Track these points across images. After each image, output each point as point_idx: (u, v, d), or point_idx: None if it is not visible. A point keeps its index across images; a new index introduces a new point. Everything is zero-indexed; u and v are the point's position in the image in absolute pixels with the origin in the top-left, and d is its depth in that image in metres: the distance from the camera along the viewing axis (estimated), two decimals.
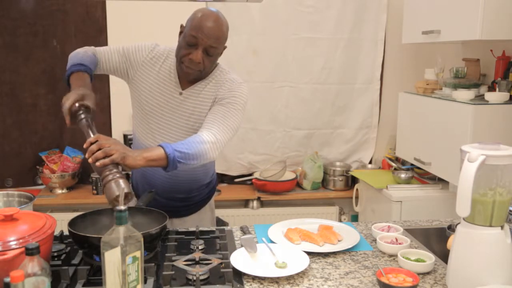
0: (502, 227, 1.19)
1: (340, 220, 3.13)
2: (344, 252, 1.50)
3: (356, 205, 3.14)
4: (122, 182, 1.31)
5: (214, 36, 1.56)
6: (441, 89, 2.54)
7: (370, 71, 3.23)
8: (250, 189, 3.19)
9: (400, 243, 1.51)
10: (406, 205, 2.59)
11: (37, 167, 3.06)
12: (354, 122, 3.30)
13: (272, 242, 1.54)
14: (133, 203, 1.69)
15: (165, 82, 1.68)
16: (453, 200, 1.20)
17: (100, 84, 3.06)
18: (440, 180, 2.65)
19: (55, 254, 1.39)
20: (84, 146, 1.36)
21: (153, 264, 1.30)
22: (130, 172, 2.10)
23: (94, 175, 2.99)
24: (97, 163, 1.32)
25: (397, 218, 2.58)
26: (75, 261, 1.37)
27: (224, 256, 1.39)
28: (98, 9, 3.04)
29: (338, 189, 3.21)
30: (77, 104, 1.43)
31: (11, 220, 1.21)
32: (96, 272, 1.30)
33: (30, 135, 3.14)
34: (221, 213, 2.91)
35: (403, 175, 2.82)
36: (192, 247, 1.48)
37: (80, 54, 1.64)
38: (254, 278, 1.31)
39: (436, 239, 1.69)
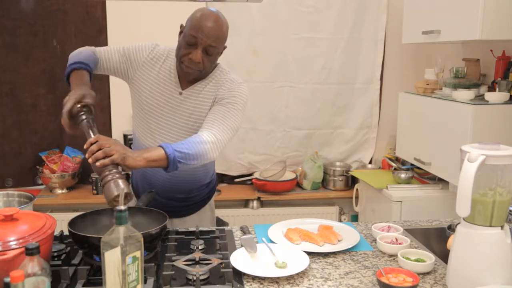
0: (502, 227, 1.19)
1: (340, 220, 3.13)
2: (344, 252, 1.50)
3: (356, 205, 3.14)
4: (121, 182, 1.31)
5: (214, 35, 1.56)
6: (441, 89, 2.54)
7: (370, 71, 3.24)
8: (250, 189, 3.19)
9: (400, 243, 1.51)
10: (406, 205, 2.59)
11: (37, 167, 3.06)
12: (354, 122, 3.30)
13: (272, 242, 1.54)
14: (133, 203, 1.69)
15: (165, 82, 1.68)
16: (453, 200, 1.20)
17: (100, 84, 3.06)
18: (440, 180, 2.65)
19: (55, 254, 1.39)
20: (85, 146, 1.36)
21: (153, 264, 1.30)
22: (130, 172, 2.10)
23: (94, 175, 2.99)
24: (97, 164, 1.32)
25: (397, 218, 2.58)
26: (75, 261, 1.37)
27: (224, 256, 1.39)
28: (98, 9, 3.04)
29: (338, 189, 3.21)
30: (78, 105, 1.43)
31: (11, 220, 1.21)
32: (96, 272, 1.30)
33: (30, 135, 3.14)
34: (221, 213, 2.91)
35: (403, 175, 2.82)
36: (192, 247, 1.48)
37: (80, 53, 1.65)
38: (254, 278, 1.31)
39: (436, 239, 1.69)
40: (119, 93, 2.96)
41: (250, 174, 3.25)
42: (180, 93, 1.67)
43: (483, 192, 1.18)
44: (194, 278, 1.24)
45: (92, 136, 1.39)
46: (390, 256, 1.48)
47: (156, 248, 1.42)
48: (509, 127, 2.12)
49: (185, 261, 1.35)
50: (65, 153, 3.07)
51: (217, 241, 1.54)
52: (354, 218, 3.26)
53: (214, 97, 1.66)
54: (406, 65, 3.22)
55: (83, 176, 3.14)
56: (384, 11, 3.15)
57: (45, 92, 3.09)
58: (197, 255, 1.38)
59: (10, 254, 1.09)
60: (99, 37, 3.05)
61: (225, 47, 1.65)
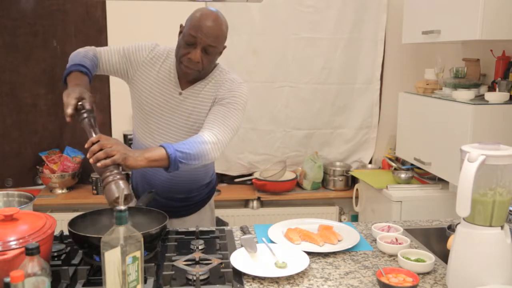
0: (502, 227, 1.19)
1: (340, 220, 3.13)
2: (344, 252, 1.50)
3: (356, 205, 3.14)
4: (122, 183, 1.31)
5: (213, 35, 1.55)
6: (441, 89, 2.54)
7: (370, 71, 3.23)
8: (250, 189, 3.19)
9: (400, 243, 1.51)
10: (406, 205, 2.59)
11: (37, 167, 3.06)
12: (354, 122, 3.30)
13: (272, 242, 1.54)
14: (133, 203, 1.69)
15: (165, 82, 1.68)
16: (453, 200, 1.20)
17: (100, 84, 3.06)
18: (440, 180, 2.65)
19: (55, 254, 1.39)
20: (86, 146, 1.36)
21: (153, 264, 1.30)
22: (130, 172, 2.10)
23: (94, 175, 2.99)
24: (98, 164, 1.32)
25: (397, 218, 2.58)
26: (75, 261, 1.37)
27: (224, 256, 1.39)
28: (98, 9, 3.04)
29: (338, 189, 3.21)
30: (80, 103, 1.43)
31: (11, 220, 1.21)
32: (96, 272, 1.30)
33: (30, 135, 3.14)
34: (221, 213, 2.91)
35: (403, 175, 2.82)
36: (192, 247, 1.48)
37: (81, 54, 1.64)
38: (254, 278, 1.31)
39: (436, 239, 1.69)
40: (119, 93, 2.96)
41: (250, 174, 3.25)
42: (180, 93, 1.67)
43: (483, 192, 1.18)
44: (194, 278, 1.24)
45: (94, 135, 1.39)
46: (390, 256, 1.48)
47: (156, 248, 1.42)
48: (509, 127, 2.12)
49: (185, 261, 1.35)
50: (65, 153, 3.07)
51: (217, 241, 1.54)
52: (354, 218, 3.26)
53: (214, 97, 1.66)
54: (406, 65, 3.22)
55: (83, 176, 3.14)
56: (384, 11, 3.15)
57: (45, 92, 3.09)
58: (197, 255, 1.38)
59: (10, 254, 1.09)
60: (99, 37, 3.05)
61: (224, 47, 1.65)
